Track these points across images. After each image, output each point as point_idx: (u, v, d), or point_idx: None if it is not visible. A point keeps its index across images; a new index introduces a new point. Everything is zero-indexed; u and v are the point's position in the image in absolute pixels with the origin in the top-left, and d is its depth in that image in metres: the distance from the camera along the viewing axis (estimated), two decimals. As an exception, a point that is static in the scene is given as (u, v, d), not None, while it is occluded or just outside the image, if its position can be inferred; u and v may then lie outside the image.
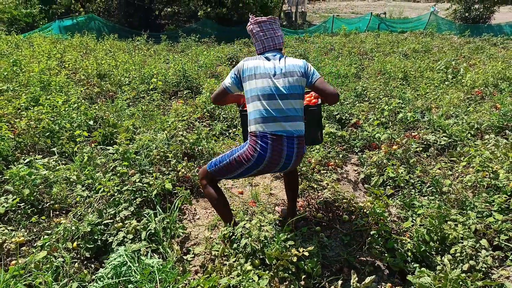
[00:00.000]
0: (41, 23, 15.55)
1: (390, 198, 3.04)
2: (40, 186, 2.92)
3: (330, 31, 16.76)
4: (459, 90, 6.10)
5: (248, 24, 2.42)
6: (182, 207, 2.96)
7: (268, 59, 2.29)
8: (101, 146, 3.67)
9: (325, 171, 3.56)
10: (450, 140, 4.06)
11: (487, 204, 2.66)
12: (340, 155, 3.88)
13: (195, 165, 3.52)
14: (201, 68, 7.87)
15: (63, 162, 3.42)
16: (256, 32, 2.37)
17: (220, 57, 9.47)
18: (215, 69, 8.13)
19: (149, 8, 16.81)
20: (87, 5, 15.22)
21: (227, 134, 4.60)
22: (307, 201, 3.05)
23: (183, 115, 4.68)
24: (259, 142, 2.16)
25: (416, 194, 3.03)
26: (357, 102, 5.60)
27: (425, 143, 4.06)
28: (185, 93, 5.83)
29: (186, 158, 3.64)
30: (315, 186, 3.24)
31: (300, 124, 2.22)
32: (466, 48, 11.13)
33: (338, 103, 5.21)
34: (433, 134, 4.20)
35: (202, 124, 4.67)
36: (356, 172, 3.73)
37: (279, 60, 2.29)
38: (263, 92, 2.17)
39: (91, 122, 4.23)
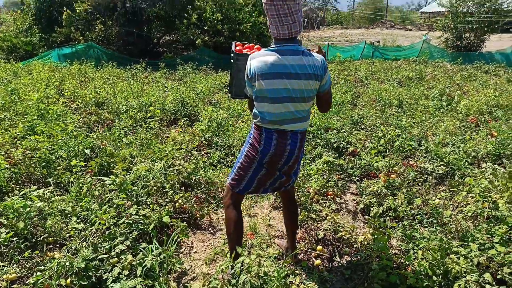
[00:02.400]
0: (40, 51, 15.77)
1: (391, 230, 3.00)
2: (34, 219, 2.86)
3: (326, 56, 17.12)
4: (454, 118, 6.17)
5: (264, 1, 2.05)
6: (179, 240, 2.91)
7: (282, 53, 2.04)
8: (98, 177, 3.63)
9: (324, 201, 3.53)
10: (447, 168, 4.06)
11: (488, 236, 2.63)
12: (339, 184, 3.86)
13: (192, 195, 3.49)
14: (198, 96, 7.94)
15: (59, 193, 3.38)
16: (271, 15, 2.03)
17: (218, 85, 9.59)
18: (212, 96, 8.21)
19: (148, 37, 17.14)
20: (86, 34, 15.49)
21: (225, 163, 4.58)
22: (307, 232, 3.00)
23: (181, 143, 4.68)
24: (264, 135, 2.15)
25: (417, 225, 2.99)
26: (354, 129, 5.63)
27: (423, 171, 4.06)
28: (183, 121, 5.86)
29: (183, 188, 3.61)
30: (315, 217, 3.20)
31: (306, 122, 2.19)
32: (459, 75, 11.35)
33: (336, 132, 5.26)
34: (430, 162, 4.21)
35: (200, 153, 4.66)
36: (355, 201, 3.70)
37: (297, 55, 2.04)
38: (276, 95, 2.06)
39: (87, 151, 4.20)
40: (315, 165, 4.13)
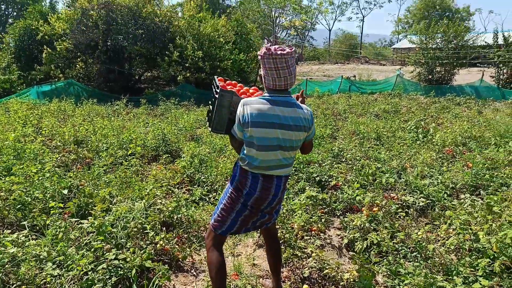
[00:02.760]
0: (19, 88, 15.60)
1: (376, 265, 2.99)
2: (6, 266, 2.71)
3: (305, 94, 17.58)
4: (430, 150, 6.35)
5: (262, 51, 2.07)
6: (160, 284, 2.80)
7: (277, 104, 2.08)
8: (76, 219, 3.51)
9: (308, 237, 3.50)
10: (428, 200, 4.13)
11: (471, 269, 2.65)
12: (323, 219, 3.85)
13: (174, 235, 3.40)
14: (180, 131, 7.94)
15: (34, 236, 3.23)
16: (269, 67, 2.06)
17: (200, 120, 9.64)
18: (194, 131, 8.22)
19: (129, 74, 17.27)
20: (67, 71, 15.48)
21: (207, 200, 4.53)
22: (292, 271, 2.95)
23: (162, 181, 4.61)
24: (250, 179, 2.16)
25: (401, 259, 2.99)
26: (335, 163, 5.70)
27: (404, 204, 4.11)
28: (164, 157, 5.81)
29: (164, 228, 3.52)
30: (299, 254, 3.16)
31: (291, 167, 2.26)
32: (433, 107, 11.83)
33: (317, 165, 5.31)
34: (411, 195, 4.28)
35: (182, 190, 4.59)
36: (340, 236, 3.68)
37: (290, 107, 2.10)
38: (267, 143, 2.09)
39: (65, 192, 4.07)
40: (299, 200, 4.13)
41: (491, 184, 4.61)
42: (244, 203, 2.21)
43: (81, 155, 5.79)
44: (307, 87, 18.19)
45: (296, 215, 3.83)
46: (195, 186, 4.84)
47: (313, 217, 3.82)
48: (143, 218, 3.48)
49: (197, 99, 13.62)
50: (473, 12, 49.85)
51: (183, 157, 5.54)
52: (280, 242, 3.27)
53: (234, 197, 2.23)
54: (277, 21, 51.25)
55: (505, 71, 14.84)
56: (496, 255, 2.83)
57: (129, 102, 12.36)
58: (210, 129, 2.40)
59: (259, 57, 2.09)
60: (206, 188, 4.76)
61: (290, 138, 2.11)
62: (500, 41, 15.12)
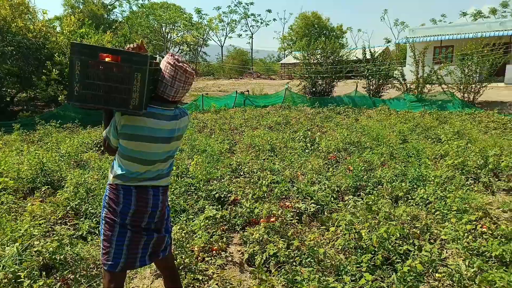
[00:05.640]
0: None
1: (275, 276, 3.07)
2: None
3: (201, 109, 17.56)
4: (318, 157, 6.90)
5: (168, 59, 2.01)
6: None
7: (159, 117, 2.00)
8: None
9: (209, 258, 3.44)
10: (318, 206, 4.45)
11: (357, 266, 2.91)
12: (223, 237, 3.83)
13: (58, 278, 2.99)
14: (63, 158, 7.13)
15: None
16: (169, 74, 1.98)
17: (87, 143, 8.82)
18: (80, 157, 7.48)
19: (-1, 95, 15.00)
20: None
21: (97, 232, 4.11)
22: (194, 297, 2.84)
23: (41, 217, 4.04)
24: (121, 194, 2.03)
25: (298, 266, 3.13)
26: (233, 177, 5.78)
27: (298, 211, 4.35)
28: (43, 189, 5.12)
29: (45, 272, 3.07)
30: (201, 278, 3.07)
31: (169, 177, 2.22)
32: (318, 117, 12.94)
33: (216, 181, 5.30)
34: (303, 202, 4.55)
35: (65, 226, 4.09)
36: (240, 252, 3.70)
37: (173, 120, 2.06)
38: (145, 157, 2.02)
39: None
40: (198, 220, 4.05)
41: (369, 184, 5.20)
42: (122, 224, 2.06)
43: None
44: (204, 102, 18.25)
45: (196, 236, 3.74)
46: (81, 219, 4.36)
47: (213, 236, 3.77)
48: (15, 265, 2.98)
49: (83, 120, 12.47)
50: (345, 31, 56.74)
51: (66, 188, 4.97)
52: (180, 267, 3.15)
53: (110, 221, 2.07)
54: (169, 37, 50.65)
55: (373, 82, 17.11)
56: (377, 250, 3.17)
57: (-1, 128, 10.70)
58: (69, 99, 1.92)
59: (166, 64, 2.02)
60: (95, 220, 4.33)
61: (170, 149, 2.12)
62: (368, 56, 17.43)
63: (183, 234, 3.62)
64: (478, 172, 5.57)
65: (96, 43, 15.72)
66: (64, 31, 16.44)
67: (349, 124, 10.89)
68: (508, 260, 3.09)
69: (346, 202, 4.46)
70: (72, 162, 7.00)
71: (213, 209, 4.29)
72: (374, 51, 18.17)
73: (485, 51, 13.89)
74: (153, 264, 3.38)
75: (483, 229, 3.64)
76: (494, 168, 5.58)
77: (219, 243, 3.68)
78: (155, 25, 49.25)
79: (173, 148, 2.15)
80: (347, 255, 3.27)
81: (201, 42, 54.70)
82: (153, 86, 2.02)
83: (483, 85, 13.96)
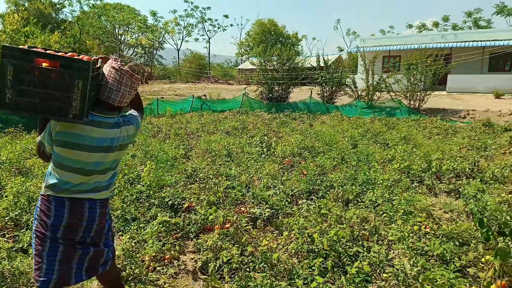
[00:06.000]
0: None
1: (228, 283, 3.04)
2: None
3: (156, 113, 17.14)
4: (274, 162, 6.98)
5: (112, 64, 1.95)
6: None
7: (99, 125, 1.90)
8: None
9: (161, 267, 3.33)
10: (272, 210, 4.48)
11: (309, 270, 2.95)
12: (176, 245, 3.73)
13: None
14: (3, 165, 6.62)
15: None
16: (113, 78, 1.91)
17: (31, 149, 8.26)
18: (22, 164, 6.98)
19: None
20: None
21: (40, 245, 3.84)
22: (143, 309, 2.73)
23: (-26, 231, 3.71)
24: (53, 206, 1.89)
25: (251, 272, 3.12)
26: (188, 183, 5.67)
27: (253, 216, 4.35)
28: (-22, 200, 4.71)
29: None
30: (151, 289, 2.96)
31: (110, 190, 2.10)
32: (275, 123, 13.11)
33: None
34: (258, 207, 4.57)
35: (3, 239, 3.78)
36: (194, 260, 3.62)
37: (114, 128, 1.95)
38: (80, 166, 1.90)
39: None
40: (150, 228, 3.92)
41: (321, 188, 5.33)
42: (53, 238, 1.92)
43: None
44: (159, 106, 17.82)
45: (147, 245, 3.61)
46: (22, 230, 4.06)
47: (166, 245, 3.66)
48: None
49: (27, 125, 11.67)
50: (300, 38, 58.22)
51: (5, 197, 4.60)
52: (129, 278, 3.02)
53: (40, 235, 1.93)
54: (122, 39, 49.04)
55: (327, 89, 17.68)
56: (328, 253, 3.24)
57: None
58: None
59: (110, 68, 1.95)
60: (38, 231, 4.04)
61: (110, 159, 2.00)
62: (322, 63, 18.00)
63: (133, 244, 3.49)
64: (422, 175, 5.91)
65: (43, 43, 14.88)
66: (7, 30, 15.40)
67: (304, 130, 11.13)
68: (448, 258, 3.29)
69: (300, 206, 4.55)
70: (13, 169, 6.51)
71: (166, 216, 4.18)
72: (328, 59, 18.82)
73: (429, 61, 14.87)
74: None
75: (427, 230, 3.85)
76: (436, 171, 5.95)
77: (172, 252, 3.58)
78: (108, 26, 47.49)
79: (113, 160, 2.02)
80: (300, 259, 3.32)
81: (157, 45, 53.55)
82: (95, 92, 1.93)
83: (427, 93, 14.93)
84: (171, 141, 9.20)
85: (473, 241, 3.59)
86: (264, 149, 8.01)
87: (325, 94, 17.80)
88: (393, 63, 22.84)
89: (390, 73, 15.92)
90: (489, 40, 21.30)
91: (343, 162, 6.75)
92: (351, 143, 8.52)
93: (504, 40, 20.79)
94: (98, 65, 2.00)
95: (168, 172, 6.12)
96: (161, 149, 7.72)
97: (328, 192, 5.16)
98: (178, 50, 55.72)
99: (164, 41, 55.13)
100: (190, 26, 56.65)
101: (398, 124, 11.69)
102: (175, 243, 3.78)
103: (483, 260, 3.24)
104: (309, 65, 19.31)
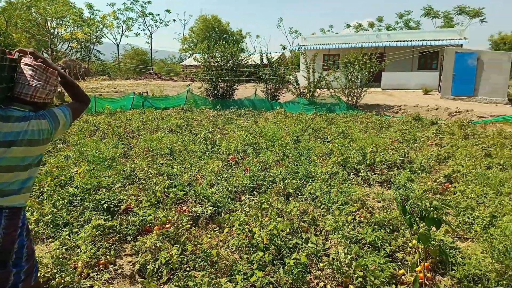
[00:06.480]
0: None
1: (167, 284, 2.96)
2: None
3: (94, 111, 16.23)
4: (218, 159, 6.94)
5: (25, 60, 1.87)
6: None
7: (8, 119, 1.75)
8: None
9: (95, 273, 3.16)
10: (215, 207, 4.45)
11: (249, 264, 2.97)
12: (112, 250, 3.55)
13: None
14: None
15: None
16: (26, 75, 1.83)
17: None
18: None
19: None
20: None
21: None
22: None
23: None
24: None
25: (191, 271, 3.07)
26: (127, 184, 5.44)
27: (195, 215, 4.29)
28: None
29: None
30: (84, 296, 2.80)
31: (20, 196, 1.82)
32: (220, 120, 13.04)
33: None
34: (200, 205, 4.51)
35: None
36: (131, 263, 3.48)
37: (22, 122, 1.79)
38: None
39: None
40: (84, 232, 3.69)
41: (264, 183, 5.40)
42: None
43: None
44: (97, 104, 16.88)
45: (80, 251, 3.40)
46: None
47: (100, 249, 3.48)
48: None
49: None
50: (245, 35, 58.44)
51: None
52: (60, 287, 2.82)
53: None
54: (56, 32, 45.64)
55: (271, 86, 17.95)
56: (267, 246, 3.29)
57: None
58: None
59: (22, 64, 1.87)
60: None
61: (14, 155, 1.78)
62: (265, 61, 18.22)
63: (63, 251, 3.27)
64: (358, 168, 6.23)
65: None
66: None
67: (249, 126, 11.21)
68: (379, 244, 3.50)
69: (243, 202, 4.57)
70: None
71: (101, 219, 3.97)
72: (271, 57, 19.09)
73: (364, 60, 15.71)
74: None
75: (361, 219, 4.07)
76: (371, 163, 6.31)
77: (107, 256, 3.41)
78: (39, 18, 43.88)
79: (21, 157, 1.81)
80: (242, 255, 3.33)
81: (94, 39, 50.62)
82: (6, 84, 1.76)
83: (364, 90, 15.77)
84: (109, 140, 8.76)
85: (402, 228, 3.86)
86: (209, 147, 7.93)
87: (269, 91, 18.06)
88: (332, 61, 23.82)
89: (330, 71, 16.57)
90: (418, 40, 23.07)
91: (285, 157, 6.90)
92: (293, 138, 8.74)
93: (430, 40, 22.64)
94: (15, 57, 1.86)
95: (104, 173, 5.82)
96: (98, 149, 7.32)
97: (271, 187, 5.24)
98: (118, 45, 53.14)
99: (102, 36, 52.24)
100: (130, 20, 54.25)
101: (337, 120, 12.22)
102: (110, 247, 3.60)
103: (410, 244, 3.49)
104: (253, 63, 19.45)
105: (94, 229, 3.75)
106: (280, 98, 18.05)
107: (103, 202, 4.55)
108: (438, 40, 22.43)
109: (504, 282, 2.87)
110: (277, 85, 17.89)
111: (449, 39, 22.29)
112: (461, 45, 20.98)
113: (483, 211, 4.20)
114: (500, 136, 8.81)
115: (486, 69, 16.80)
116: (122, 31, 53.91)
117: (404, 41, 23.47)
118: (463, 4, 43.54)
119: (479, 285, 2.85)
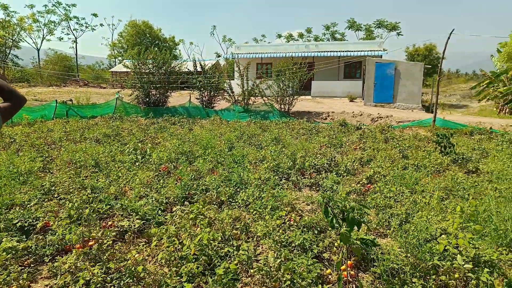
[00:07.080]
0: None
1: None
2: None
3: (10, 122, 14.71)
4: (149, 169, 6.67)
5: None
6: None
7: None
8: None
9: (4, 302, 2.83)
10: (144, 221, 4.26)
11: (179, 277, 2.88)
12: (24, 274, 3.22)
13: None
14: None
15: None
16: None
17: None
18: None
19: None
20: None
21: None
22: None
23: None
24: None
25: (116, 290, 2.90)
26: (45, 200, 4.99)
27: (121, 229, 4.07)
28: None
29: None
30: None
31: None
32: (152, 128, 12.60)
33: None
34: (127, 219, 4.29)
35: None
36: (49, 287, 3.19)
37: None
38: None
39: None
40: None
41: (197, 192, 5.32)
42: None
43: None
44: (12, 114, 15.32)
45: (-15, 279, 3.02)
46: None
47: (11, 275, 3.13)
48: None
49: None
50: (178, 42, 57.33)
51: None
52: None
53: None
54: (-37, 34, 40.69)
55: (206, 93, 17.83)
56: (198, 257, 3.22)
57: None
58: None
59: None
60: None
61: None
62: (199, 68, 18.07)
63: (-37, 280, 2.88)
64: (289, 172, 6.42)
65: None
66: None
67: (183, 134, 10.99)
68: (307, 246, 3.62)
69: (174, 213, 4.44)
70: None
71: (13, 240, 3.58)
72: (205, 64, 19.01)
73: (294, 69, 16.33)
74: None
75: (291, 222, 4.18)
76: (300, 168, 6.54)
77: (20, 281, 3.08)
78: None
79: None
80: (171, 268, 3.22)
81: (11, 43, 46.05)
82: None
83: (295, 97, 16.37)
84: (26, 152, 7.98)
85: (329, 229, 4.04)
86: (139, 157, 7.60)
87: (204, 98, 17.93)
88: (265, 70, 24.40)
89: (263, 79, 16.94)
90: (343, 51, 24.62)
91: (219, 164, 6.87)
92: (228, 146, 8.75)
93: (354, 51, 24.28)
94: None
95: (19, 189, 5.28)
96: (12, 163, 6.63)
97: (204, 196, 5.17)
98: (38, 49, 48.92)
99: (20, 39, 47.73)
100: (52, 24, 50.36)
101: (271, 127, 12.51)
102: (23, 270, 3.26)
103: (336, 244, 3.67)
104: (187, 70, 19.18)
105: (4, 253, 3.37)
106: (216, 106, 18.01)
107: (16, 221, 4.11)
108: (361, 51, 24.15)
109: (418, 274, 3.13)
110: (212, 93, 17.83)
111: (370, 50, 24.13)
112: (381, 56, 22.82)
113: (400, 208, 4.57)
114: (415, 139, 9.72)
115: (402, 78, 18.47)
116: (43, 35, 49.83)
117: (331, 51, 24.87)
118: (381, 18, 47.64)
119: (396, 278, 3.08)
